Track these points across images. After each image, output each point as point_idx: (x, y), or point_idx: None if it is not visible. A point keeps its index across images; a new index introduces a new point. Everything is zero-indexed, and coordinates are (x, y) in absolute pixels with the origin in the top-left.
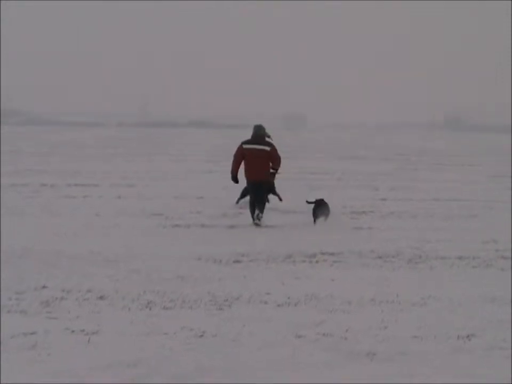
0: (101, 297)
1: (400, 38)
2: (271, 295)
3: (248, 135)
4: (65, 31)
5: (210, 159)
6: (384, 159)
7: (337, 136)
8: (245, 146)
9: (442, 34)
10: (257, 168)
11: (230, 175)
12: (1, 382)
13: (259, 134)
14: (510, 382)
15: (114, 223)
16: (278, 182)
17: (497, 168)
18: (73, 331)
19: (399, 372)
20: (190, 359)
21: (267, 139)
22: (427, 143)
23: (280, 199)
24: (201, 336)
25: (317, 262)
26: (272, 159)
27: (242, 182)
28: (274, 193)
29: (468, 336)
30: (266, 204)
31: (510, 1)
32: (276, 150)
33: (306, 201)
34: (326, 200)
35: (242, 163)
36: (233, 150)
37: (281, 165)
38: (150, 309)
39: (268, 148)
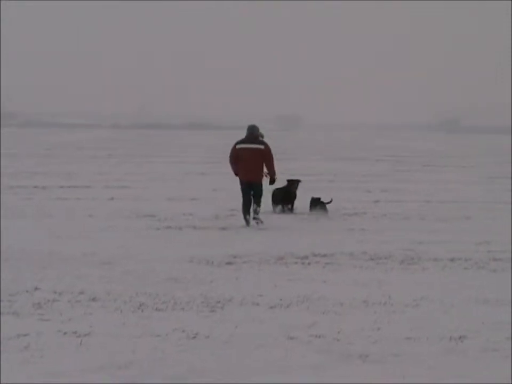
0: (93, 299)
1: (400, 38)
2: (263, 296)
3: (240, 136)
4: (65, 31)
5: (204, 161)
6: (377, 160)
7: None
8: (238, 146)
9: (442, 34)
10: (251, 168)
11: (223, 177)
12: (1, 382)
13: (253, 134)
14: (510, 382)
15: (107, 225)
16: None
17: (492, 169)
18: (65, 333)
19: (392, 373)
20: (183, 360)
21: (260, 139)
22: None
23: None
24: (194, 338)
25: (309, 263)
26: (266, 158)
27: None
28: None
29: (460, 337)
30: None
31: (510, 1)
32: (269, 149)
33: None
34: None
35: None
36: (227, 152)
37: (275, 167)
38: (142, 311)
39: (261, 147)
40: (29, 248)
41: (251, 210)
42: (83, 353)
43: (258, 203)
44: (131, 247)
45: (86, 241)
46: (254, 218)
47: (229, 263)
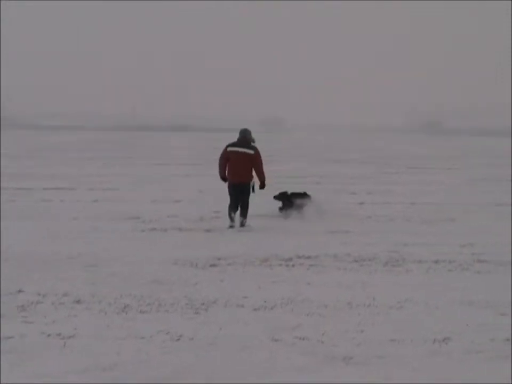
0: (77, 301)
1: (400, 38)
2: (247, 298)
3: (231, 139)
4: (65, 31)
5: (189, 163)
6: (363, 162)
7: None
8: (229, 148)
9: (442, 34)
10: (240, 170)
11: (208, 179)
12: (1, 382)
13: (245, 137)
14: (510, 382)
15: (91, 227)
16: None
17: (476, 171)
18: (49, 335)
19: (376, 375)
20: (167, 362)
21: (252, 144)
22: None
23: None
24: (178, 339)
25: (293, 265)
26: (255, 163)
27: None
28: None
29: (444, 339)
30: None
31: (510, 1)
32: (259, 155)
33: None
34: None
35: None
36: (215, 154)
37: (264, 173)
38: (127, 313)
39: (251, 151)
40: (12, 250)
41: (237, 213)
42: (67, 355)
43: (245, 214)
44: (115, 249)
45: (71, 243)
46: (231, 226)
47: (213, 265)
